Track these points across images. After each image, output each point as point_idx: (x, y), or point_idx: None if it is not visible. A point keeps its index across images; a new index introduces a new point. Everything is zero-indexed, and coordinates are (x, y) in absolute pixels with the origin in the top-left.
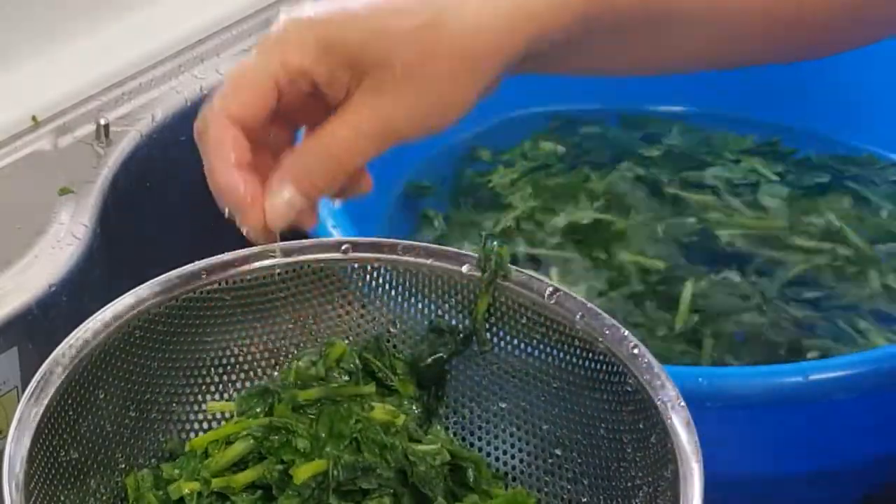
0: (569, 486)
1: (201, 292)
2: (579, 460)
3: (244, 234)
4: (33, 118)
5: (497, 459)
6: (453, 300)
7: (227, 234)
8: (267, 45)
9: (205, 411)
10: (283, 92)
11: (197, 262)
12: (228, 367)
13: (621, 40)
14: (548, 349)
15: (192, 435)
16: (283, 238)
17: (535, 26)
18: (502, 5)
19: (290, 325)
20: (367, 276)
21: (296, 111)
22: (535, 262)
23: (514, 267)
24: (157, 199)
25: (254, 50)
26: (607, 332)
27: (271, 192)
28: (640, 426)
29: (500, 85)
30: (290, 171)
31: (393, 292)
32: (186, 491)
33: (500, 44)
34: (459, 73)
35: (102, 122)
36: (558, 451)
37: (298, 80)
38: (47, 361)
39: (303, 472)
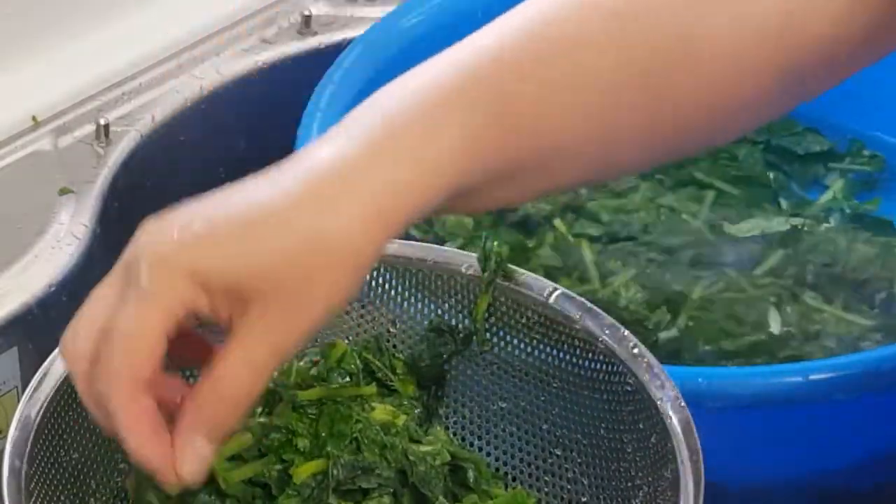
0: (569, 486)
1: None
2: (579, 460)
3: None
4: (33, 118)
5: (497, 459)
6: (453, 300)
7: None
8: (141, 295)
9: None
10: (169, 336)
11: None
12: None
13: (508, 185)
14: (547, 349)
15: None
16: None
17: (415, 213)
18: (368, 211)
19: None
20: (367, 276)
21: (181, 347)
22: None
23: (514, 267)
24: (157, 199)
25: (127, 308)
26: (607, 331)
27: (182, 453)
28: (640, 426)
29: None
30: (193, 425)
31: (392, 292)
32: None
33: (379, 245)
34: (343, 283)
35: (102, 122)
36: (558, 451)
37: (183, 321)
38: (47, 361)
39: (302, 472)
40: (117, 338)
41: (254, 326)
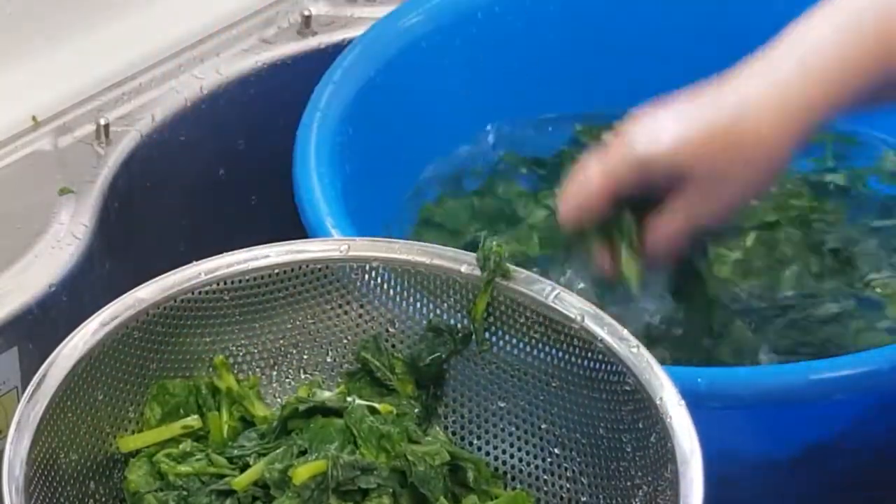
0: (568, 486)
1: (199, 293)
2: (578, 459)
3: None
4: (33, 118)
5: (496, 459)
6: (452, 300)
7: (225, 235)
8: (604, 164)
9: None
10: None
11: (195, 263)
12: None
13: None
14: (547, 348)
15: None
16: (283, 238)
17: (817, 120)
18: (785, 119)
19: (289, 325)
20: (366, 276)
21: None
22: None
23: (513, 266)
24: (157, 199)
25: (591, 164)
26: (606, 331)
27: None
28: (640, 425)
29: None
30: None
31: (391, 292)
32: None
33: (784, 148)
34: (749, 181)
35: (102, 122)
36: (557, 451)
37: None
38: (46, 363)
39: (302, 473)
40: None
41: (688, 199)
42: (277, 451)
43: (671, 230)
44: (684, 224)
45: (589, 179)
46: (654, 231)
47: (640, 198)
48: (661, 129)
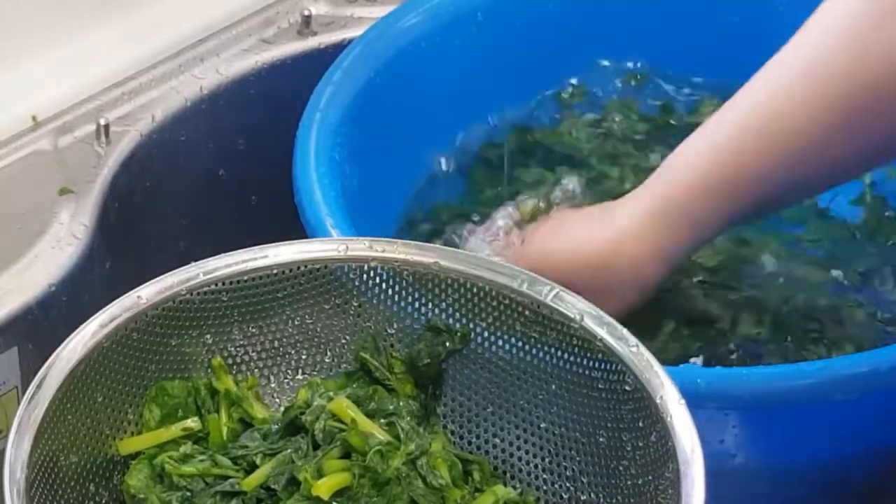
0: (568, 485)
1: (198, 293)
2: (578, 459)
3: None
4: (33, 118)
5: (496, 458)
6: (450, 299)
7: (225, 235)
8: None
9: None
10: None
11: (194, 264)
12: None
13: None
14: (546, 348)
15: None
16: (283, 238)
17: (686, 248)
18: (654, 248)
19: (288, 326)
20: (364, 276)
21: None
22: None
23: (511, 266)
24: (157, 199)
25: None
26: (606, 330)
27: None
28: (640, 424)
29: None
30: None
31: (390, 291)
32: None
33: (655, 273)
34: (628, 297)
35: (102, 122)
36: (557, 450)
37: None
38: (45, 366)
39: (324, 487)
40: None
41: None
42: (284, 452)
43: None
44: None
45: None
46: None
47: None
48: (552, 249)
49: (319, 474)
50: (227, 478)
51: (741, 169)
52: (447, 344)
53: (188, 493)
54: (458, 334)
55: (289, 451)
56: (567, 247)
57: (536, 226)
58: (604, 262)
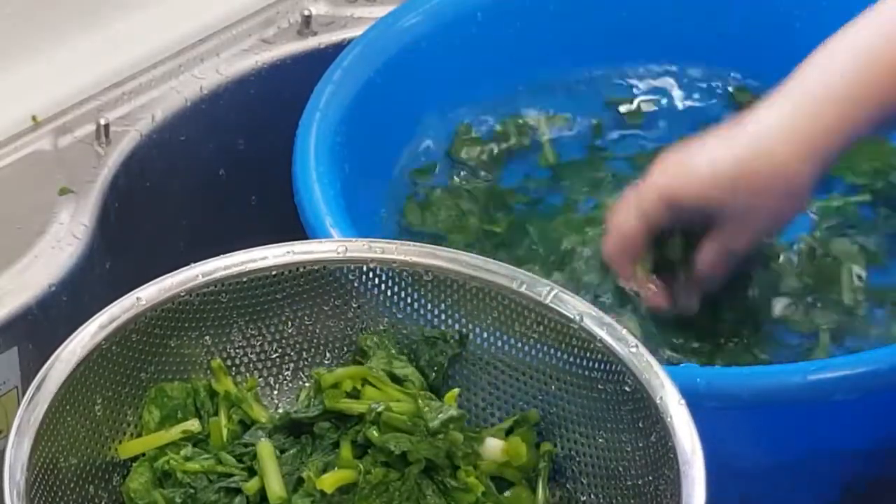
0: (568, 486)
1: (198, 294)
2: (578, 459)
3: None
4: (33, 118)
5: None
6: (449, 300)
7: (225, 235)
8: (638, 210)
9: None
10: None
11: (193, 265)
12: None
13: None
14: (545, 349)
15: None
16: (283, 238)
17: (835, 145)
18: (800, 145)
19: (287, 327)
20: (364, 277)
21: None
22: None
23: (512, 267)
24: (157, 199)
25: (632, 209)
26: (605, 331)
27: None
28: (640, 425)
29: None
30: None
31: (389, 292)
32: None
33: (803, 174)
34: (773, 209)
35: (102, 122)
36: (557, 451)
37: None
38: (44, 367)
39: (329, 482)
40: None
41: (721, 231)
42: (290, 451)
43: (710, 260)
44: (721, 254)
45: (627, 222)
46: (698, 262)
47: (682, 228)
48: (689, 172)
49: (324, 471)
50: (230, 475)
51: (888, 48)
52: (447, 351)
53: (192, 490)
54: (455, 337)
55: (294, 450)
56: (705, 170)
57: (663, 160)
58: (749, 169)
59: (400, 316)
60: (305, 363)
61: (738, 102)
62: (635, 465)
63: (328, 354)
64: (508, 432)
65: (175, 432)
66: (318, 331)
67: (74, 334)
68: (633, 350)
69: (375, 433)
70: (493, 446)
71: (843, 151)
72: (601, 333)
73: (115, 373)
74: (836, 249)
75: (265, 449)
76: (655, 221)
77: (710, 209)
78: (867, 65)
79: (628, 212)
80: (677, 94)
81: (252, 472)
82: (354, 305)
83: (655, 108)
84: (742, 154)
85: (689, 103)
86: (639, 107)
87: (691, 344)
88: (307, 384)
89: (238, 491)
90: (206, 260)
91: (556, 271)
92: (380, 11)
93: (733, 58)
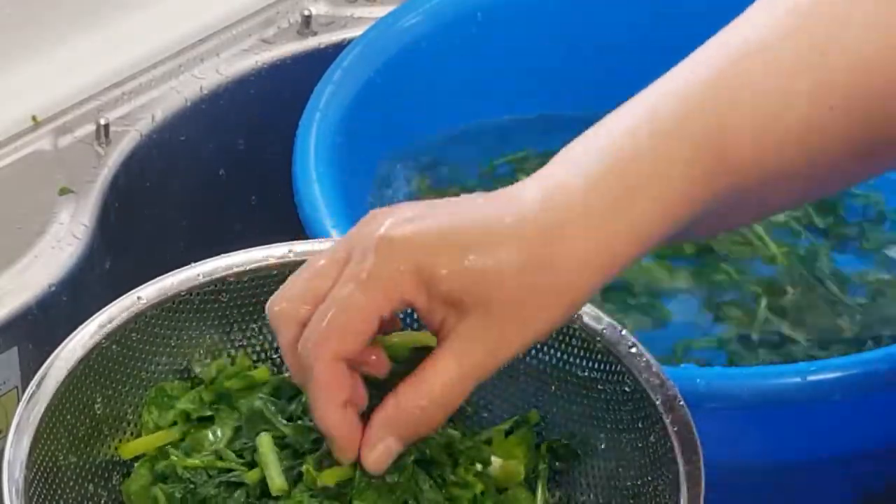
0: (567, 486)
1: (198, 294)
2: (577, 459)
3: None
4: (33, 118)
5: None
6: None
7: (225, 235)
8: (364, 278)
9: None
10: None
11: (193, 265)
12: None
13: (726, 213)
14: (545, 349)
15: None
16: (283, 238)
17: (641, 245)
18: (605, 236)
19: None
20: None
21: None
22: None
23: None
24: (157, 199)
25: (350, 285)
26: (605, 331)
27: (372, 445)
28: (639, 425)
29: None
30: (390, 422)
31: None
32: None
33: (603, 273)
34: (559, 312)
35: (102, 122)
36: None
37: (392, 314)
38: (44, 366)
39: (327, 477)
40: (333, 310)
41: (470, 335)
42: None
43: (460, 373)
44: (478, 363)
45: (354, 295)
46: (435, 379)
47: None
48: (461, 257)
49: (320, 464)
50: (230, 471)
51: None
52: None
53: (192, 485)
54: None
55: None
56: (476, 230)
57: (404, 206)
58: (536, 259)
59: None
60: None
61: None
62: (634, 466)
63: None
64: (508, 433)
65: (175, 432)
66: None
67: (74, 333)
68: (633, 350)
69: None
70: (493, 464)
71: (672, 233)
72: (601, 333)
73: (114, 372)
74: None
75: (265, 441)
76: (399, 305)
77: (475, 300)
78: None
79: (368, 301)
80: None
81: (252, 468)
82: None
83: None
84: (537, 238)
85: None
86: None
87: None
88: None
89: (238, 485)
90: (206, 260)
91: None
92: (380, 11)
93: None
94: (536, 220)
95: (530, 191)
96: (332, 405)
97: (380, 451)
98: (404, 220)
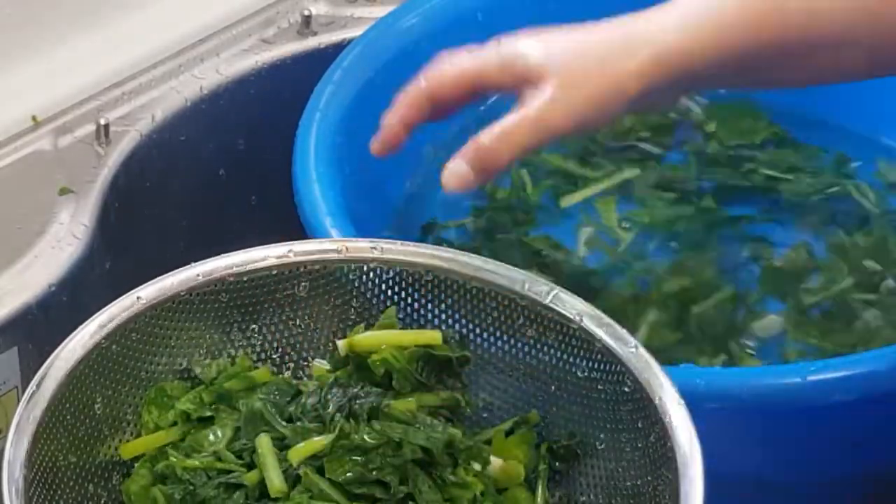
0: (567, 486)
1: (197, 294)
2: (577, 459)
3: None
4: (33, 118)
5: None
6: (449, 300)
7: (225, 235)
8: (473, 55)
9: None
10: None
11: (192, 265)
12: None
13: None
14: (545, 349)
15: None
16: (283, 238)
17: (687, 72)
18: (650, 59)
19: (288, 326)
20: (364, 276)
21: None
22: None
23: (512, 267)
24: (157, 199)
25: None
26: (605, 331)
27: (450, 170)
28: (639, 425)
29: None
30: (469, 154)
31: (389, 292)
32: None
33: (646, 86)
34: (610, 97)
35: (102, 122)
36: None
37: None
38: (44, 366)
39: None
40: (442, 61)
41: (543, 99)
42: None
43: (535, 125)
44: (531, 126)
45: (458, 59)
46: (516, 125)
47: None
48: (532, 34)
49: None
50: (229, 472)
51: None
52: (452, 363)
53: (191, 487)
54: (455, 338)
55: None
56: (547, 36)
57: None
58: (599, 57)
59: (400, 316)
60: (305, 363)
61: None
62: (634, 466)
63: (329, 354)
64: (508, 433)
65: (174, 432)
66: (318, 330)
67: (74, 333)
68: (633, 350)
69: (376, 426)
70: (492, 464)
71: (702, 77)
72: (601, 333)
73: (114, 372)
74: None
75: (264, 442)
76: (485, 71)
77: (538, 71)
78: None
79: (463, 54)
80: None
81: (251, 469)
82: (355, 305)
83: None
84: (590, 36)
85: None
86: None
87: None
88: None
89: (237, 486)
90: (206, 260)
91: None
92: (380, 11)
93: None
94: (607, 40)
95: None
96: (395, 113)
97: (452, 169)
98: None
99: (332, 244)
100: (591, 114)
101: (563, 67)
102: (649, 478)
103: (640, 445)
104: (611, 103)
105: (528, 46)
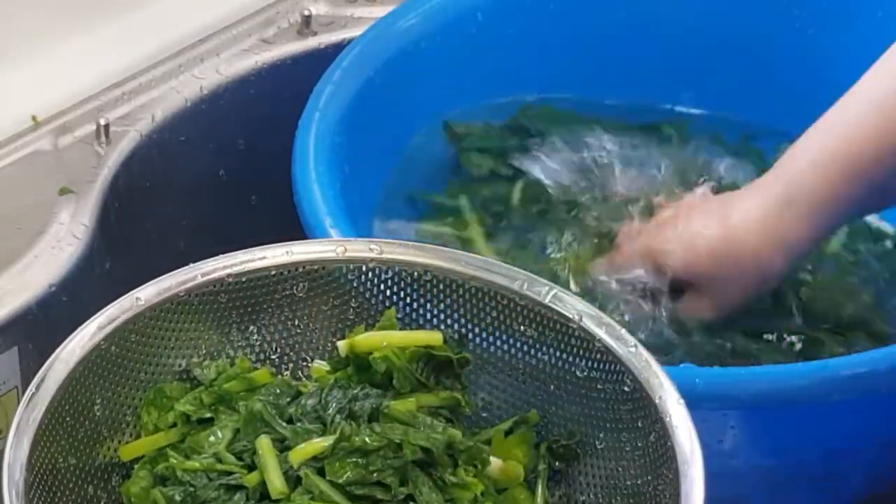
0: (567, 485)
1: (196, 295)
2: (577, 459)
3: None
4: (33, 118)
5: None
6: (449, 300)
7: (226, 235)
8: (627, 246)
9: None
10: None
11: (193, 265)
12: None
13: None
14: (545, 348)
15: None
16: (282, 238)
17: (809, 233)
18: (770, 235)
19: (286, 327)
20: (363, 277)
21: None
22: None
23: (511, 267)
24: (157, 199)
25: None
26: (605, 331)
27: None
28: (639, 425)
29: None
30: None
31: (388, 292)
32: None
33: (771, 260)
34: (746, 290)
35: (102, 122)
36: (556, 451)
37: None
38: (43, 367)
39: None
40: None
41: (692, 299)
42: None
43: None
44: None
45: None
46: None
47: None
48: (672, 251)
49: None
50: (229, 473)
51: (862, 147)
52: (452, 364)
53: (191, 488)
54: (454, 338)
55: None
56: (685, 236)
57: (660, 216)
58: (724, 251)
59: (399, 316)
60: (305, 363)
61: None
62: (634, 465)
63: (327, 355)
64: (508, 433)
65: (174, 433)
66: (317, 331)
67: (74, 334)
68: (632, 350)
69: (377, 427)
70: (492, 465)
71: (819, 239)
72: (600, 333)
73: (114, 373)
74: None
75: (264, 444)
76: (637, 267)
77: (687, 281)
78: (842, 145)
79: (623, 246)
80: None
81: (252, 470)
82: (354, 305)
83: None
84: (723, 239)
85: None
86: None
87: None
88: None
89: (238, 488)
90: (206, 260)
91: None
92: (380, 11)
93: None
94: (732, 235)
95: (728, 205)
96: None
97: None
98: (663, 226)
99: (331, 244)
100: (740, 299)
101: (704, 278)
102: (649, 477)
103: (640, 445)
104: (756, 286)
105: (671, 262)
